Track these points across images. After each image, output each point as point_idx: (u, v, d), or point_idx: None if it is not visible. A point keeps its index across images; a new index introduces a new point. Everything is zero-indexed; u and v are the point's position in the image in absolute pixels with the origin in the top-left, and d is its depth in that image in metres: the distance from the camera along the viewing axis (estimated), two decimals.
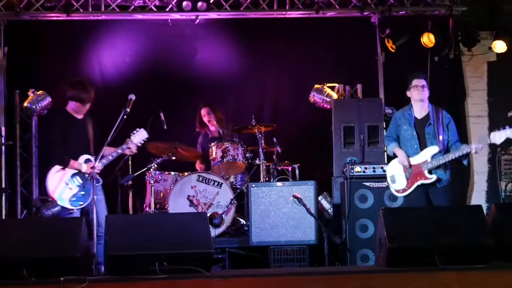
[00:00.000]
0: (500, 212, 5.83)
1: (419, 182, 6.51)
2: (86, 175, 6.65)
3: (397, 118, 6.80)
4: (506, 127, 6.29)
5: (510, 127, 6.28)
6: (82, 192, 6.66)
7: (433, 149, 6.50)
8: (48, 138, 6.88)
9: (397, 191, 6.68)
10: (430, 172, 6.48)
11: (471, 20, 9.24)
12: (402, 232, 5.51)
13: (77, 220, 5.59)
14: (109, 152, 6.79)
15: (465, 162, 6.64)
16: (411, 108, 6.71)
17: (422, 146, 6.57)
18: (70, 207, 6.61)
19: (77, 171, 6.68)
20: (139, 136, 6.83)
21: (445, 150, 6.55)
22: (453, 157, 6.43)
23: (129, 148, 6.82)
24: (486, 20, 9.28)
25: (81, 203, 6.66)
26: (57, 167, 6.64)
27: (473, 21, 9.28)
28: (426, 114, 6.65)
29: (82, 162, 6.71)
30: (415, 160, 6.55)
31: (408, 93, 6.71)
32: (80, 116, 6.86)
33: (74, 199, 6.64)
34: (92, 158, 6.76)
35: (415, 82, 6.63)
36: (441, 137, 6.53)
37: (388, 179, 6.77)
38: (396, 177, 6.66)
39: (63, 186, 6.64)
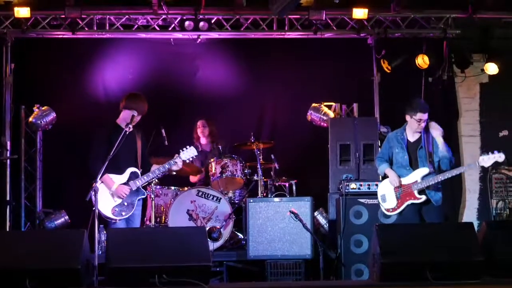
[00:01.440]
0: (491, 230, 5.90)
1: (408, 202, 6.55)
2: (132, 188, 6.70)
3: (390, 139, 6.82)
4: (495, 151, 6.37)
5: (499, 152, 6.36)
6: (126, 203, 6.70)
7: (423, 171, 6.54)
8: (88, 151, 6.85)
9: (387, 210, 6.72)
10: (420, 192, 6.52)
11: (464, 43, 9.40)
12: (396, 248, 5.57)
13: (79, 232, 5.60)
14: (155, 167, 6.87)
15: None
16: (404, 131, 6.73)
17: (414, 168, 6.61)
18: (112, 217, 6.63)
19: (122, 183, 6.71)
20: (188, 153, 6.91)
21: (437, 170, 6.58)
22: (442, 179, 6.48)
23: (176, 163, 6.87)
24: (479, 43, 9.41)
25: (124, 213, 6.69)
26: (104, 178, 6.61)
27: (466, 44, 9.43)
28: (418, 137, 6.68)
29: (128, 175, 6.74)
30: (405, 180, 6.59)
31: (408, 118, 6.67)
32: (130, 129, 6.82)
33: (117, 209, 6.66)
34: (138, 172, 6.79)
35: (420, 115, 6.58)
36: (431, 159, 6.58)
37: (379, 198, 6.81)
38: (387, 197, 6.71)
39: (107, 196, 6.66)
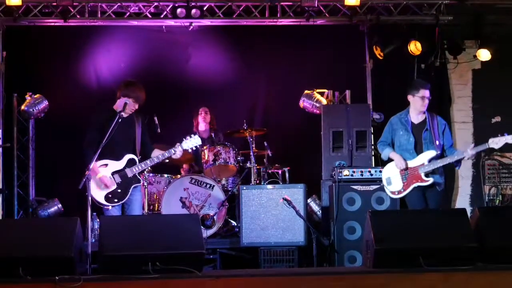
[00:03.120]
0: (483, 216, 5.91)
1: (415, 185, 6.59)
2: (128, 175, 6.58)
3: (393, 123, 6.85)
4: (505, 134, 6.38)
5: (509, 134, 6.36)
6: (119, 190, 6.57)
7: (430, 153, 6.59)
8: (83, 137, 6.69)
9: (393, 192, 6.76)
10: (426, 175, 6.56)
11: (457, 29, 9.39)
12: (389, 234, 5.57)
13: (72, 220, 5.57)
14: (155, 154, 6.74)
15: (457, 167, 6.77)
16: (408, 114, 6.78)
17: (419, 151, 6.66)
18: (105, 203, 6.53)
19: (118, 169, 6.57)
20: (191, 142, 6.71)
21: (441, 154, 6.64)
22: (449, 162, 6.54)
23: (175, 152, 6.67)
24: (471, 29, 9.42)
25: (116, 200, 6.58)
26: (100, 162, 6.50)
27: (459, 30, 9.43)
28: (422, 120, 6.73)
29: (125, 161, 6.61)
30: (412, 163, 6.63)
31: (410, 98, 6.74)
32: (126, 115, 6.65)
33: (110, 196, 6.55)
34: (136, 159, 6.66)
35: (423, 92, 6.66)
36: (437, 142, 6.62)
37: (384, 181, 6.84)
38: (392, 179, 6.74)
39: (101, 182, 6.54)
